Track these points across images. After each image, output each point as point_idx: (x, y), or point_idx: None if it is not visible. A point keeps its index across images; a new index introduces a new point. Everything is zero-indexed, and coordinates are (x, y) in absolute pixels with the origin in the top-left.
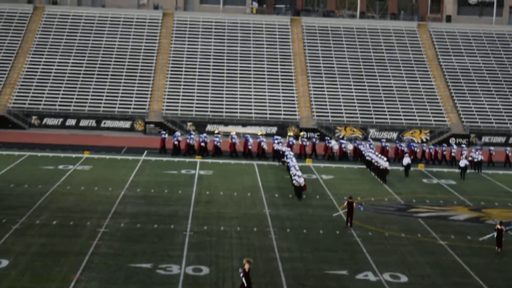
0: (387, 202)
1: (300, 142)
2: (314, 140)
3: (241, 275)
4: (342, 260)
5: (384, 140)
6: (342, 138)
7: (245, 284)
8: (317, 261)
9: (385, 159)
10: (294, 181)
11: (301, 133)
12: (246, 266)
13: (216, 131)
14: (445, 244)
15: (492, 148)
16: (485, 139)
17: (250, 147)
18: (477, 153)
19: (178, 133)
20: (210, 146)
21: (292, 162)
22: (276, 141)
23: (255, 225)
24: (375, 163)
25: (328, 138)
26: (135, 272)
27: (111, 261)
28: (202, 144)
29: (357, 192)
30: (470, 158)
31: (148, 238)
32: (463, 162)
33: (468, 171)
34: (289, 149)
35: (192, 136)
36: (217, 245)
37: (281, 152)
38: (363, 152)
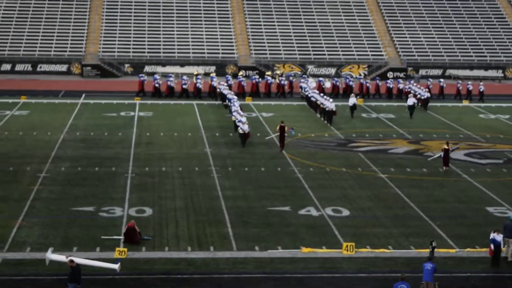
0: (328, 138)
1: (277, 81)
2: (291, 78)
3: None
4: (284, 196)
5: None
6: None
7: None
8: (259, 199)
9: (330, 100)
10: (239, 128)
11: (278, 72)
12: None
13: (195, 73)
14: (385, 177)
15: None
16: (422, 72)
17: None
18: (423, 90)
19: (157, 76)
20: (191, 87)
21: (235, 106)
22: (213, 80)
23: (197, 164)
24: (321, 105)
25: (306, 76)
26: (78, 215)
27: (53, 205)
28: (184, 86)
29: (297, 129)
30: (418, 96)
31: (90, 181)
32: (411, 101)
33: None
34: (230, 91)
35: (172, 78)
36: (160, 186)
37: (221, 93)
38: (307, 93)
